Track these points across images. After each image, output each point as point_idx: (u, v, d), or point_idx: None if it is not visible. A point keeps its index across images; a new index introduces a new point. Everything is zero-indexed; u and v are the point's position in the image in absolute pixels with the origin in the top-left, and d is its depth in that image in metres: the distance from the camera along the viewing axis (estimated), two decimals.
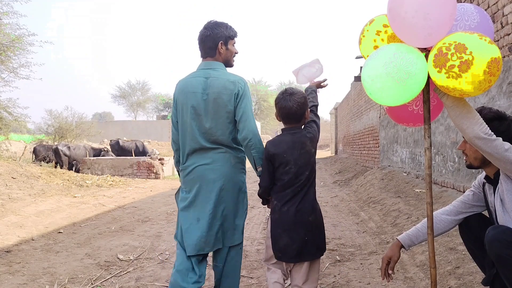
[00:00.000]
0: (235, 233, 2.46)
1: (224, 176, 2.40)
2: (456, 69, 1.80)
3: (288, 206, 2.26)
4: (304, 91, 2.54)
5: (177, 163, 2.63)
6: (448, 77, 1.83)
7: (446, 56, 1.82)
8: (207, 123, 2.38)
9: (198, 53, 2.54)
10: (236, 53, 2.57)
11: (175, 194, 2.66)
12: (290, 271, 2.36)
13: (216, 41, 2.45)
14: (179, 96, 2.47)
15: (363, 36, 2.29)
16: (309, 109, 2.40)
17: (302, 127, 2.37)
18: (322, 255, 2.37)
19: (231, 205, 2.43)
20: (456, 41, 1.82)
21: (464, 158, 2.23)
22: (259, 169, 2.37)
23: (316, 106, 2.54)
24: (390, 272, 2.31)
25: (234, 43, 2.55)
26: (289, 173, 2.27)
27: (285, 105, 2.29)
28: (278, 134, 2.52)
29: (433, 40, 1.94)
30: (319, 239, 2.31)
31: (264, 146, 2.39)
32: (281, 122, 2.37)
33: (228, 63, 2.54)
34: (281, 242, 2.26)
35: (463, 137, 2.20)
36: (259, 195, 2.43)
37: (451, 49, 1.82)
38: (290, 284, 2.43)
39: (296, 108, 2.27)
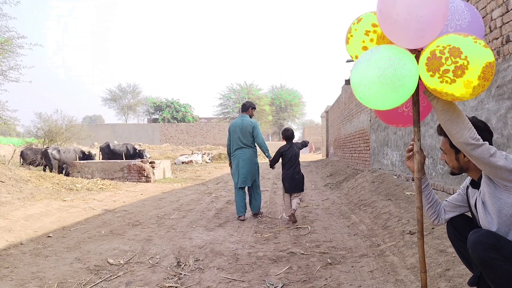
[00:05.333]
0: (254, 179, 6.33)
1: (247, 157, 6.25)
2: (450, 74, 1.73)
3: (288, 171, 5.97)
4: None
5: (229, 154, 6.49)
6: (441, 82, 1.76)
7: (440, 60, 1.75)
8: (241, 138, 6.25)
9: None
10: (253, 115, 6.56)
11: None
12: (291, 196, 5.98)
13: (248, 107, 6.48)
14: (231, 128, 6.37)
15: (351, 35, 2.21)
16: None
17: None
18: (303, 191, 6.04)
19: (250, 168, 6.26)
20: (451, 45, 1.75)
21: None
22: (267, 154, 6.14)
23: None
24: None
25: (254, 109, 6.58)
26: (288, 158, 6.00)
27: (287, 135, 6.14)
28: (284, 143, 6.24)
29: (425, 41, 1.88)
30: (300, 185, 5.96)
31: (278, 149, 6.14)
32: (285, 140, 6.19)
33: (251, 117, 6.48)
34: (286, 185, 5.97)
35: (442, 148, 2.23)
36: (270, 166, 6.22)
37: (445, 53, 1.74)
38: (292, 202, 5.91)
39: (291, 135, 6.14)
